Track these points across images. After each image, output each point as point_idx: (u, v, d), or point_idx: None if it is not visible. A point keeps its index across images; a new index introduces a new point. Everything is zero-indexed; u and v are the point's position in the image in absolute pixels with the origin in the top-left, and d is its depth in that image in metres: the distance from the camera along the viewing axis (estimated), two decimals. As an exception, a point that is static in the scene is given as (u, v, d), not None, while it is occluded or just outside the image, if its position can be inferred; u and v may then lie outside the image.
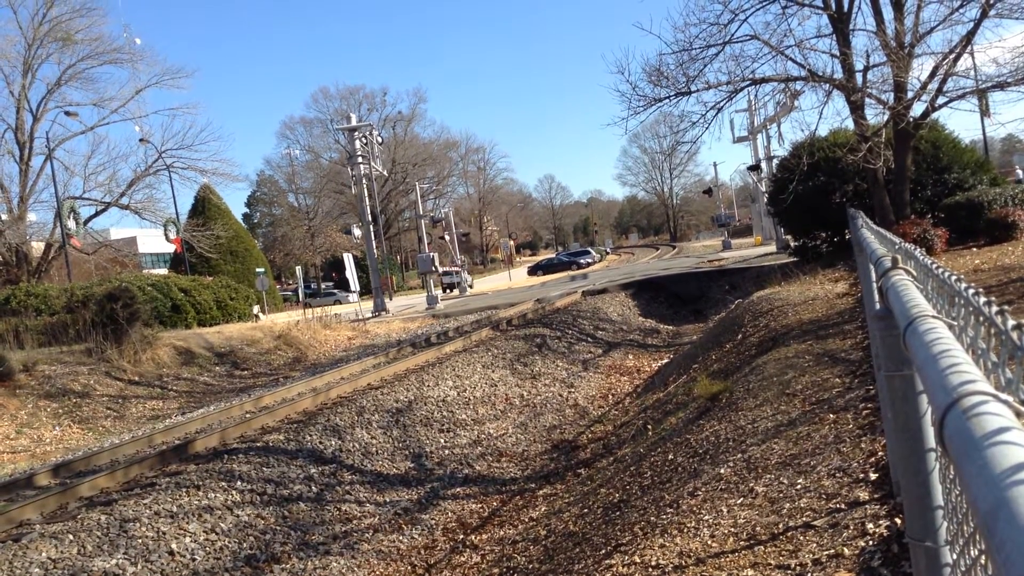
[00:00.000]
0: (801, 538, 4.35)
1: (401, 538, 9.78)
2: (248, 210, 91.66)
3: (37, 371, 17.53)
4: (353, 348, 24.05)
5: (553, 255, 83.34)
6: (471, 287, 51.88)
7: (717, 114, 18.04)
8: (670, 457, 8.13)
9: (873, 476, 4.68)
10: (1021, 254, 13.27)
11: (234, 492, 9.72)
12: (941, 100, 16.81)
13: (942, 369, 1.03)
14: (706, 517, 5.40)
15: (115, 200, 34.24)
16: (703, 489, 6.11)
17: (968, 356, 1.10)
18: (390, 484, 11.28)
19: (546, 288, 37.46)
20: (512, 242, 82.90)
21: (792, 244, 26.49)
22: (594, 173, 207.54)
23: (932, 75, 16.75)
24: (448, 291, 53.14)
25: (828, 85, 17.17)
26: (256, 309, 34.72)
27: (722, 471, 6.28)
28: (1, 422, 15.07)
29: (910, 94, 16.94)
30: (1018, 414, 0.83)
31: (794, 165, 20.96)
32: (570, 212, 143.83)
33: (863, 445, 5.26)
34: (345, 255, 34.84)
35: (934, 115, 18.08)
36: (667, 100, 18.09)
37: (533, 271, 64.91)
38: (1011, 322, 1.05)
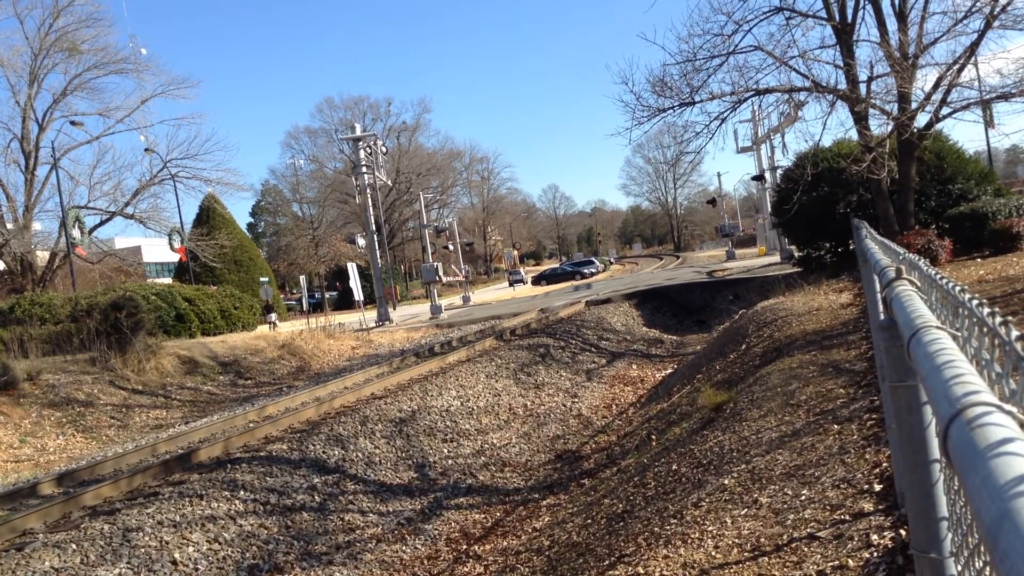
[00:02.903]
0: (805, 549, 4.34)
1: (404, 548, 9.75)
2: (252, 219, 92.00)
3: (41, 380, 17.56)
4: (357, 358, 24.05)
5: (557, 265, 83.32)
6: (527, 283, 63.85)
7: (721, 124, 18.05)
8: (674, 468, 8.11)
9: (878, 487, 4.66)
10: (1026, 265, 13.23)
11: (237, 502, 9.71)
12: (945, 111, 16.82)
13: (946, 380, 1.03)
14: (710, 528, 5.39)
15: (120, 209, 34.37)
16: (707, 500, 6.09)
17: (972, 367, 1.10)
18: (393, 494, 11.26)
19: (550, 298, 37.45)
20: (516, 252, 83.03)
21: (796, 254, 26.47)
22: (598, 183, 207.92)
23: (936, 86, 16.77)
24: (514, 287, 62.47)
25: (832, 96, 17.18)
26: (274, 317, 35.01)
27: (726, 482, 6.27)
28: (5, 431, 15.08)
29: (914, 105, 16.95)
30: (1022, 425, 0.83)
31: (798, 175, 20.98)
32: (574, 222, 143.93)
33: (867, 456, 5.25)
34: (349, 265, 34.89)
35: (938, 126, 18.11)
36: (671, 110, 18.11)
37: (537, 281, 64.82)
38: (1015, 333, 1.05)
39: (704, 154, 43.16)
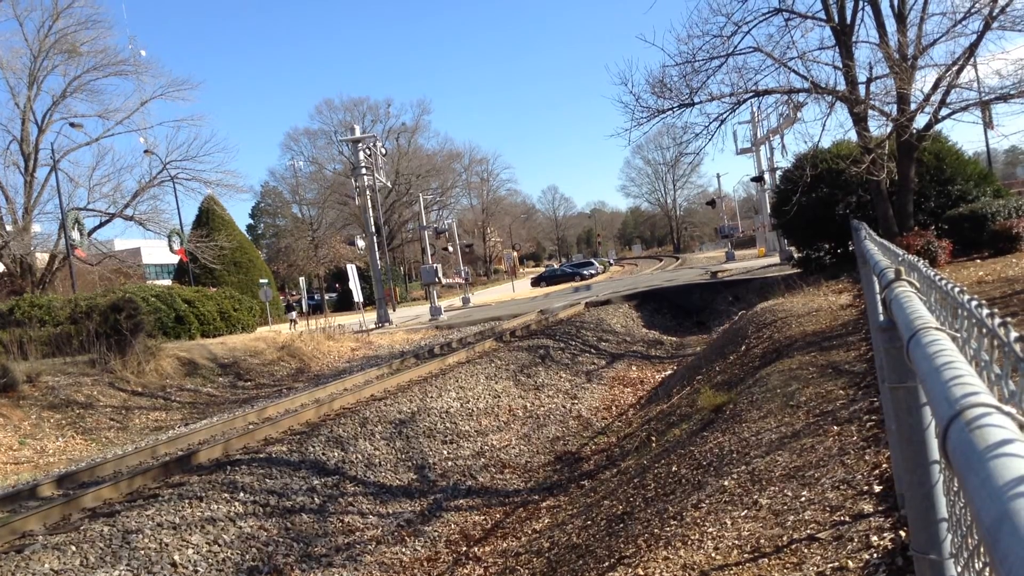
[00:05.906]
0: (805, 551, 4.34)
1: (404, 550, 9.75)
2: (252, 221, 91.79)
3: (41, 382, 17.54)
4: (356, 359, 24.04)
5: (556, 266, 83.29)
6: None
7: (720, 126, 18.07)
8: (674, 469, 8.10)
9: (877, 488, 4.66)
10: (1025, 266, 13.23)
11: (237, 503, 9.71)
12: (944, 112, 16.83)
13: (945, 381, 1.03)
14: (710, 529, 5.39)
15: (120, 211, 34.36)
16: (707, 501, 6.09)
17: (971, 368, 1.10)
18: (393, 496, 11.25)
19: (549, 299, 37.44)
20: (515, 253, 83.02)
21: (796, 256, 26.48)
22: (597, 184, 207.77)
23: (935, 87, 16.79)
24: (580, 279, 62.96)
25: (831, 97, 17.19)
26: (293, 315, 35.12)
27: (726, 483, 6.26)
28: (5, 433, 15.07)
29: (913, 106, 16.96)
30: (1021, 426, 0.83)
31: (797, 177, 20.98)
32: (573, 223, 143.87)
33: (867, 457, 5.25)
34: (349, 266, 34.90)
35: (937, 127, 18.11)
36: (670, 111, 18.12)
37: (536, 282, 64.76)
38: (1014, 334, 1.05)
39: (703, 155, 43.23)
